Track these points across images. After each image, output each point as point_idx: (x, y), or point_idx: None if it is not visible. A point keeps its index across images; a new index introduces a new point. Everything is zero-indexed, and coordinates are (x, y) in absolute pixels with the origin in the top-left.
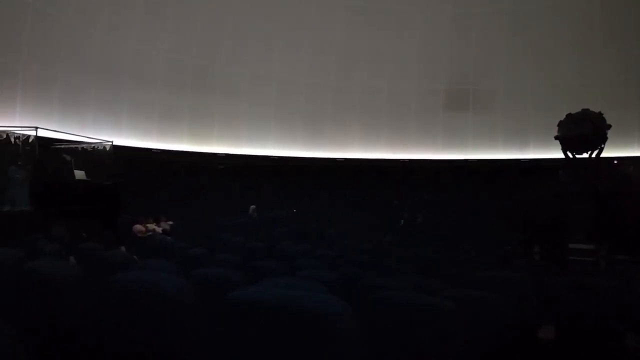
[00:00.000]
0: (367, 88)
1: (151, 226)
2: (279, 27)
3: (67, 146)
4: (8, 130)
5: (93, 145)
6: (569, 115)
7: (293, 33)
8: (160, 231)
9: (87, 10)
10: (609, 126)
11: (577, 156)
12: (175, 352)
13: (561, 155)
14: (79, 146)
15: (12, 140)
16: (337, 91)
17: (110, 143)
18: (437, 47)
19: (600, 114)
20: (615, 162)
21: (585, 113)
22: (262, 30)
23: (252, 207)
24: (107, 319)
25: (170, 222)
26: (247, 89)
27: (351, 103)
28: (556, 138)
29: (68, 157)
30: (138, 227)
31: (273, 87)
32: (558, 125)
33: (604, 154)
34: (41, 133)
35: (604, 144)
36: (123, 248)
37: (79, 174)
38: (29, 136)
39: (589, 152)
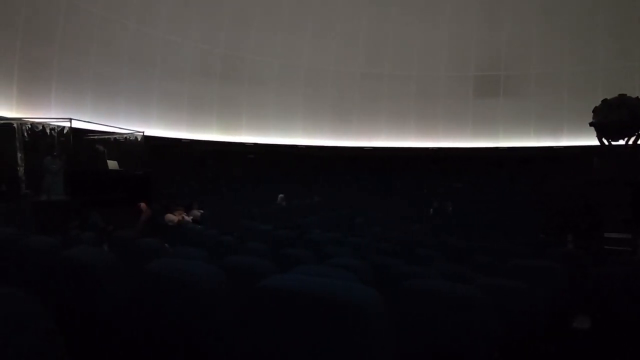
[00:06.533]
0: (395, 76)
1: (180, 215)
2: (307, 16)
3: (100, 137)
4: (44, 122)
5: (125, 135)
6: (604, 101)
7: (321, 21)
8: (191, 220)
9: (119, 3)
10: None
11: (613, 143)
12: (206, 340)
13: (596, 143)
14: (112, 136)
15: (48, 131)
16: (365, 79)
17: (142, 133)
18: (467, 32)
19: (637, 99)
20: None
21: (622, 99)
22: (290, 19)
23: (281, 195)
24: (140, 306)
25: (201, 211)
26: (275, 78)
27: (379, 91)
28: (591, 125)
29: (101, 148)
30: (170, 216)
31: (301, 76)
32: (593, 112)
33: None
34: (75, 124)
35: None
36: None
37: (112, 164)
38: (63, 127)
39: (626, 139)
